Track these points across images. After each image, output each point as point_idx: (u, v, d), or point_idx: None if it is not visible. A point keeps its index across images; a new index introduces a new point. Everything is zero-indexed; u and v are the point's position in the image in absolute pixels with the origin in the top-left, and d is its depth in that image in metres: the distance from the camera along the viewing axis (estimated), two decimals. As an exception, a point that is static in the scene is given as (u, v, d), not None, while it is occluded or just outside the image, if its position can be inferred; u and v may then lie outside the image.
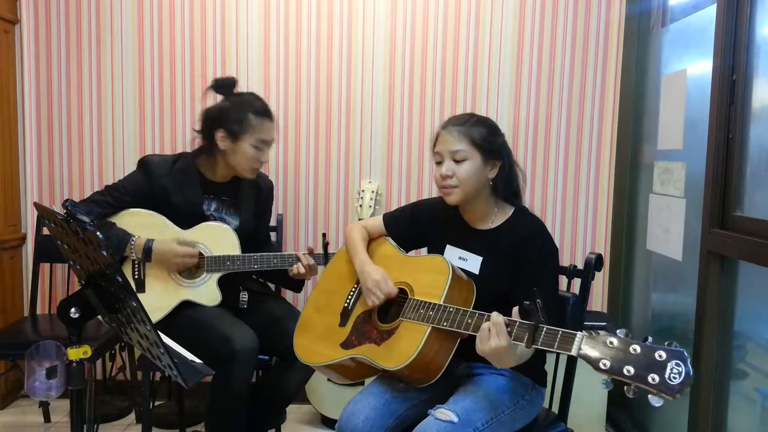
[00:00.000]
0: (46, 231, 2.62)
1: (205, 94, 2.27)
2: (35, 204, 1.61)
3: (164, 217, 2.16)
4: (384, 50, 2.81)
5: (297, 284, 2.32)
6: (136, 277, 2.12)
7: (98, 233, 1.19)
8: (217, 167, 2.22)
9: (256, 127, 2.14)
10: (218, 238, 2.17)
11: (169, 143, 2.86)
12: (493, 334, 1.40)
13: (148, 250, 2.08)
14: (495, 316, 1.42)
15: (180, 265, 2.11)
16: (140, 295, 2.05)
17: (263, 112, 2.17)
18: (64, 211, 1.30)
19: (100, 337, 2.39)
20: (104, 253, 1.20)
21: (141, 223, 2.14)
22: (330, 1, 2.79)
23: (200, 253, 2.14)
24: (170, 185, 2.16)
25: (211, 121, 2.17)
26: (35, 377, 2.19)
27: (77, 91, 2.85)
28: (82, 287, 1.37)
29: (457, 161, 1.66)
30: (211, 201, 2.23)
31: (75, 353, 1.36)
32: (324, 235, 2.24)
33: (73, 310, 1.34)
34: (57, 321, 2.56)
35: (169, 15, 2.81)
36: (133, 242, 2.08)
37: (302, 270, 2.16)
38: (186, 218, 2.16)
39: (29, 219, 2.90)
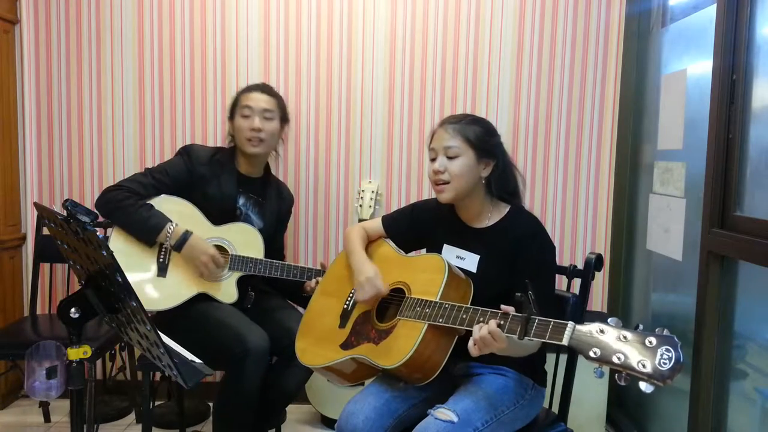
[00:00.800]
0: (46, 231, 2.62)
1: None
2: (35, 204, 1.61)
3: (197, 209, 2.20)
4: (384, 50, 2.81)
5: (305, 300, 2.33)
6: (161, 260, 2.15)
7: (98, 233, 1.19)
8: (240, 158, 2.30)
9: (241, 99, 2.28)
10: (246, 238, 2.22)
11: (169, 143, 2.86)
12: (490, 342, 1.40)
13: (183, 240, 2.11)
14: (492, 324, 1.41)
15: (203, 267, 2.12)
16: (160, 280, 2.11)
17: (249, 87, 2.32)
18: (64, 211, 1.30)
19: (100, 337, 2.39)
20: (104, 253, 1.20)
21: (175, 211, 2.17)
22: (330, 1, 2.79)
23: (224, 250, 2.19)
24: (209, 175, 2.22)
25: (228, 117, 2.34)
26: (35, 377, 2.19)
27: (77, 91, 2.85)
28: (82, 287, 1.37)
29: (449, 157, 1.69)
30: (240, 195, 2.28)
31: (75, 353, 1.36)
32: (322, 264, 2.27)
33: (73, 310, 1.34)
34: (57, 321, 2.56)
35: (169, 15, 2.81)
36: (170, 228, 2.11)
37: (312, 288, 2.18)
38: (218, 210, 2.20)
39: (29, 219, 2.90)
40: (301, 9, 2.80)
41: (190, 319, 2.10)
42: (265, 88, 2.31)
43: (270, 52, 2.82)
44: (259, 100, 2.26)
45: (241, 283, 2.20)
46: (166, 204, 2.18)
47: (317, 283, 2.12)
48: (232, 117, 2.29)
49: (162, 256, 2.16)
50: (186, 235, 2.12)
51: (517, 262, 1.65)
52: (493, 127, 1.76)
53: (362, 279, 1.75)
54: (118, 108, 2.86)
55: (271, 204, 2.35)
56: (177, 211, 2.17)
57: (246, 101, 2.25)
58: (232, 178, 2.25)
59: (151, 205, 2.15)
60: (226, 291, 2.17)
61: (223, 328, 2.04)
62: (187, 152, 2.26)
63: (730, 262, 1.95)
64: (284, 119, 2.33)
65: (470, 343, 1.43)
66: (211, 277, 2.15)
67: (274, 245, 2.39)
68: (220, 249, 2.19)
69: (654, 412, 2.58)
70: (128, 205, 2.11)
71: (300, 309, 2.28)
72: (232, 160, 2.29)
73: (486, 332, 1.39)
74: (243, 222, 2.25)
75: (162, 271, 2.15)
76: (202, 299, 2.14)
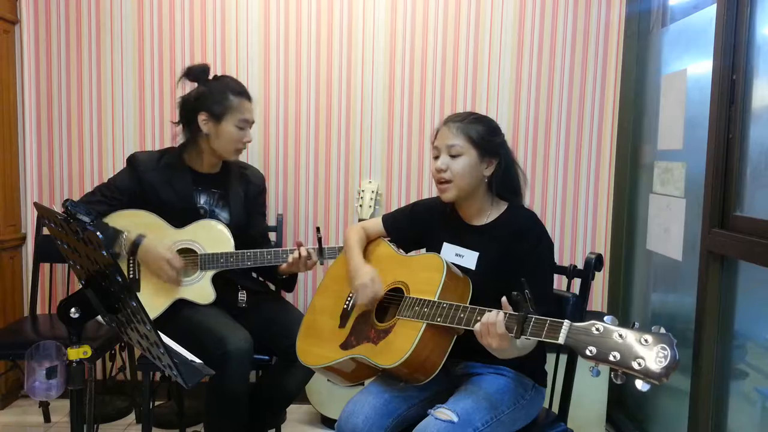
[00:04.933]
0: (46, 231, 2.62)
1: (177, 84, 2.25)
2: (35, 204, 1.61)
3: (158, 216, 2.15)
4: (384, 50, 2.81)
5: (289, 283, 2.30)
6: (131, 275, 2.11)
7: (98, 233, 1.19)
8: (203, 156, 2.21)
9: (238, 107, 2.15)
10: (212, 235, 2.16)
11: (169, 143, 2.85)
12: (493, 334, 1.41)
13: (135, 246, 2.06)
14: (494, 314, 1.43)
15: (159, 271, 2.06)
16: None
17: (242, 92, 2.18)
18: (64, 211, 1.30)
19: (100, 337, 2.39)
20: (104, 253, 1.20)
21: (134, 224, 2.13)
22: (330, 1, 2.79)
23: (193, 251, 2.15)
24: (158, 181, 2.15)
25: (191, 107, 2.17)
26: (35, 377, 2.19)
27: (77, 91, 2.85)
28: (82, 287, 1.37)
29: (452, 156, 1.69)
30: (200, 194, 2.22)
31: (75, 353, 1.36)
32: (318, 229, 2.22)
33: (73, 310, 1.34)
34: (57, 321, 2.56)
35: (169, 15, 2.81)
36: (123, 237, 2.06)
37: (294, 259, 2.11)
38: (179, 214, 2.15)
39: (29, 219, 2.90)
40: (301, 9, 2.80)
41: (174, 326, 2.03)
42: (250, 95, 2.21)
43: (270, 52, 2.82)
44: (252, 111, 2.20)
45: (224, 283, 2.16)
46: (122, 219, 2.13)
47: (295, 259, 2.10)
48: (218, 119, 2.13)
49: (131, 271, 2.11)
50: (138, 240, 2.05)
51: (515, 257, 1.66)
52: (497, 126, 1.76)
53: (358, 284, 1.75)
54: (118, 108, 2.86)
55: (236, 192, 2.26)
56: (135, 224, 2.12)
57: (244, 112, 2.16)
58: (185, 178, 2.18)
59: (102, 222, 2.08)
60: (202, 292, 2.13)
61: (202, 331, 2.01)
62: (130, 162, 2.19)
63: (730, 262, 1.95)
64: None
65: (477, 324, 1.45)
66: (174, 281, 2.08)
67: (252, 232, 2.30)
68: (189, 251, 2.15)
69: (654, 412, 2.58)
70: None
71: (290, 299, 2.28)
72: (182, 159, 2.20)
73: (494, 320, 1.41)
74: (205, 219, 2.18)
75: (134, 284, 2.10)
76: (183, 306, 2.11)
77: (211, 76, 2.21)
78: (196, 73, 2.19)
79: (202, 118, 2.14)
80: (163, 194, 2.15)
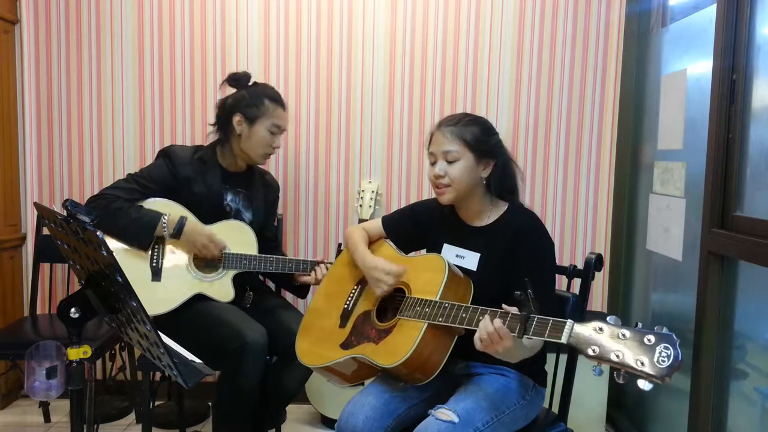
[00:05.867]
0: (46, 231, 2.62)
1: (220, 87, 2.36)
2: (35, 204, 1.61)
3: (187, 210, 2.19)
4: (384, 50, 2.81)
5: (303, 290, 2.34)
6: (154, 265, 2.14)
7: (98, 233, 1.19)
8: (233, 156, 2.28)
9: (272, 112, 2.23)
10: (238, 236, 2.21)
11: (169, 142, 2.84)
12: (497, 340, 1.40)
13: (180, 226, 2.11)
14: (496, 321, 1.42)
15: (203, 249, 2.13)
16: (155, 284, 2.10)
17: (277, 99, 2.27)
18: (64, 211, 1.30)
19: (100, 337, 2.39)
20: (104, 252, 1.20)
21: (165, 212, 2.16)
22: (330, 1, 2.79)
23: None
24: (192, 174, 2.20)
25: (228, 108, 2.25)
26: (35, 377, 2.19)
27: (77, 91, 2.85)
28: (82, 287, 1.37)
29: (449, 161, 1.69)
30: (227, 191, 2.27)
31: (75, 353, 1.36)
32: (340, 245, 2.25)
33: (73, 310, 1.34)
34: (57, 321, 2.56)
35: (169, 15, 2.81)
36: (165, 219, 2.11)
37: (316, 278, 2.20)
38: (207, 209, 2.20)
39: (29, 219, 2.90)
40: (301, 9, 2.80)
41: (189, 319, 2.09)
42: (285, 104, 2.29)
43: (270, 52, 2.82)
44: (286, 119, 2.28)
45: (237, 281, 2.19)
46: (155, 206, 2.17)
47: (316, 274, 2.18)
48: (252, 121, 2.21)
49: (155, 261, 2.14)
50: (182, 221, 2.12)
51: (516, 259, 1.66)
52: (491, 126, 1.75)
53: (377, 273, 1.74)
54: (118, 108, 2.86)
55: (258, 194, 2.34)
56: (167, 213, 2.16)
57: (278, 118, 2.24)
58: (216, 174, 2.24)
59: (141, 206, 2.14)
60: (222, 290, 2.16)
61: (221, 324, 2.03)
62: (167, 154, 2.23)
63: (730, 262, 1.95)
64: None
65: (476, 336, 1.43)
66: (215, 255, 2.15)
67: (266, 234, 2.38)
68: None
69: (654, 413, 2.58)
70: (116, 208, 2.09)
71: (290, 299, 2.29)
72: (215, 156, 2.27)
73: (492, 329, 1.40)
74: (234, 219, 2.24)
75: (156, 275, 2.13)
76: (199, 300, 2.14)
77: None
78: (238, 78, 2.28)
79: (236, 119, 2.22)
80: (195, 188, 2.19)
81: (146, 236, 2.11)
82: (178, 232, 2.12)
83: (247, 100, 2.22)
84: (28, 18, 2.81)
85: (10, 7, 2.78)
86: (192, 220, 2.15)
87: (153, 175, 2.19)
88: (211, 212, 2.20)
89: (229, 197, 2.26)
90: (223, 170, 2.27)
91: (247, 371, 1.98)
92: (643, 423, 2.66)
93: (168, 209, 2.16)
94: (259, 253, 2.21)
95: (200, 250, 2.14)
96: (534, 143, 2.85)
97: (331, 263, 2.19)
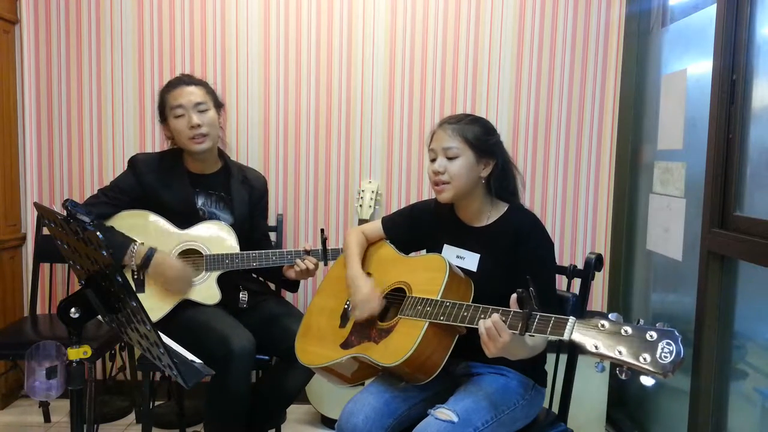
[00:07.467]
0: (46, 231, 2.62)
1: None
2: (35, 204, 1.61)
3: (161, 217, 2.16)
4: (384, 50, 2.81)
5: (293, 284, 2.32)
6: (136, 276, 2.11)
7: (98, 233, 1.19)
8: (191, 158, 2.22)
9: (169, 100, 2.17)
10: (217, 237, 2.18)
11: (169, 144, 2.85)
12: (494, 336, 1.40)
13: (147, 259, 2.06)
14: (494, 316, 1.42)
15: (167, 285, 2.08)
16: (140, 296, 2.03)
17: (170, 84, 2.20)
18: (64, 211, 1.30)
19: (100, 337, 2.39)
20: (104, 253, 1.20)
21: (139, 224, 2.14)
22: (330, 1, 2.79)
23: (198, 252, 2.15)
24: (158, 183, 2.16)
25: (160, 122, 2.24)
26: (35, 377, 2.19)
27: (77, 91, 2.85)
28: (82, 287, 1.37)
29: (449, 158, 1.69)
30: (198, 195, 2.22)
31: (75, 353, 1.36)
32: (322, 230, 2.23)
33: (73, 310, 1.34)
34: (57, 321, 2.56)
35: (169, 15, 2.81)
36: (134, 248, 2.07)
37: (300, 269, 2.15)
38: (180, 215, 2.16)
39: (29, 219, 2.90)
40: (301, 9, 2.80)
41: (177, 326, 2.05)
42: (188, 80, 2.19)
43: (270, 52, 2.82)
44: (189, 94, 2.14)
45: (226, 283, 2.17)
46: (127, 219, 2.14)
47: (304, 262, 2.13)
48: (164, 120, 2.18)
49: (136, 272, 2.11)
50: (151, 252, 2.07)
51: (515, 258, 1.66)
52: (492, 127, 1.76)
53: (358, 299, 1.74)
54: (118, 108, 2.86)
55: (238, 194, 2.27)
56: (140, 225, 2.14)
57: (175, 100, 2.13)
58: (183, 180, 2.19)
59: (111, 227, 2.10)
60: (207, 293, 2.14)
61: (207, 331, 2.01)
62: (132, 164, 2.20)
63: (730, 262, 1.95)
64: (218, 105, 2.22)
65: (480, 335, 1.44)
66: (183, 291, 2.11)
67: (255, 234, 2.33)
68: (195, 252, 2.16)
69: (654, 412, 2.58)
70: None
71: (290, 299, 2.29)
72: (181, 161, 2.22)
73: (490, 324, 1.40)
74: (212, 220, 2.20)
75: (140, 286, 2.10)
76: (187, 305, 2.12)
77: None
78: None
79: (163, 128, 2.23)
80: (163, 196, 2.16)
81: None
82: (144, 265, 2.06)
83: (156, 106, 2.22)
84: (28, 18, 2.81)
85: (10, 7, 2.78)
86: (164, 251, 2.09)
87: (121, 186, 2.16)
88: (183, 218, 2.16)
89: (200, 201, 2.21)
90: (192, 174, 2.22)
91: (235, 377, 1.96)
92: (643, 423, 2.66)
93: (141, 221, 2.13)
94: None
95: (163, 284, 2.08)
96: (534, 143, 2.85)
97: (316, 250, 2.18)
